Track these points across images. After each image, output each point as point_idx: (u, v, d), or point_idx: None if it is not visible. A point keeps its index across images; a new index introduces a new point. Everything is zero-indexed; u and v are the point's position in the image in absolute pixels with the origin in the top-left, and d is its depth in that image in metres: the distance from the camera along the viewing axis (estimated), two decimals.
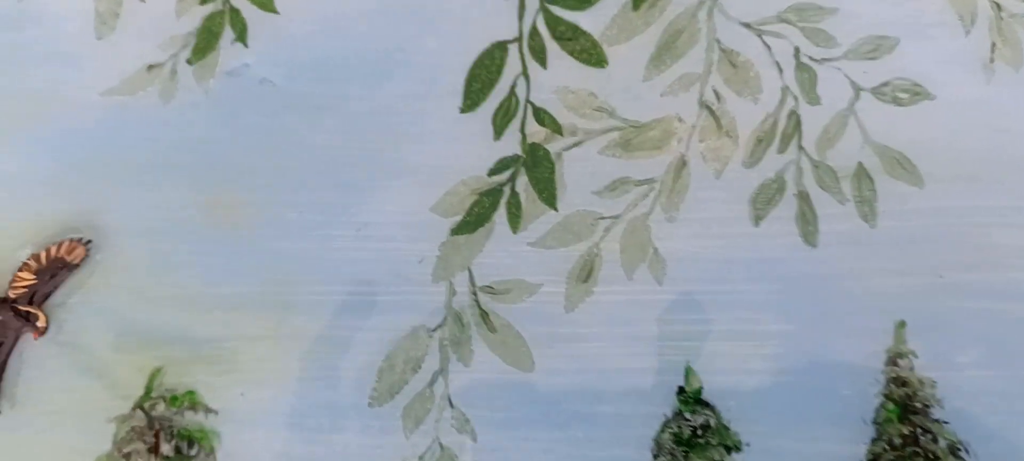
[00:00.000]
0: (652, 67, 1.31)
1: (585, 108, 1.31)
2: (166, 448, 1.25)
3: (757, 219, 1.29)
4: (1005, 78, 1.29)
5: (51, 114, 1.33)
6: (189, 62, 1.33)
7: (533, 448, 1.25)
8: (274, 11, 1.33)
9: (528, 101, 1.30)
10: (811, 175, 1.29)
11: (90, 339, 1.29)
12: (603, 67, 1.31)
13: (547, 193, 1.30)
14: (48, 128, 1.33)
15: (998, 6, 1.30)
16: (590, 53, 1.31)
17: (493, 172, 1.31)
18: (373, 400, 1.26)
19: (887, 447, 1.22)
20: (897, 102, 1.29)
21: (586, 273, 1.28)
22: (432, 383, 1.27)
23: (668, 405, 1.25)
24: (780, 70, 1.30)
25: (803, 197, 1.29)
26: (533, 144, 1.31)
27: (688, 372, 1.25)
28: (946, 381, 1.24)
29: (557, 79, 1.31)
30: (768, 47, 1.30)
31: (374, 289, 1.29)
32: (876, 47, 1.30)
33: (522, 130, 1.30)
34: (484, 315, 1.27)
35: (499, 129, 1.30)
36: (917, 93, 1.29)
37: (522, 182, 1.30)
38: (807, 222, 1.28)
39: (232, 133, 1.32)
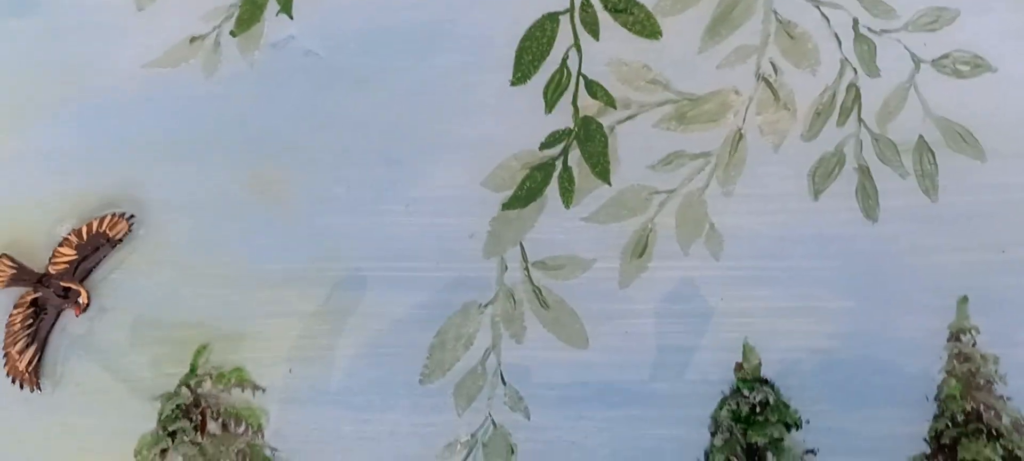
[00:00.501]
0: (707, 38, 1.31)
1: (639, 80, 1.31)
2: (212, 426, 1.25)
3: (816, 193, 1.29)
4: None
5: (92, 88, 1.34)
6: (232, 34, 1.34)
7: (588, 427, 1.25)
8: None
9: (580, 73, 1.31)
10: (871, 148, 1.30)
11: (133, 316, 1.29)
12: (657, 39, 1.32)
13: (600, 167, 1.30)
14: (88, 102, 1.34)
15: None
16: (643, 24, 1.31)
17: (545, 146, 1.31)
18: (424, 377, 1.27)
19: (950, 424, 1.23)
20: (958, 75, 1.30)
21: (641, 248, 1.29)
22: (484, 360, 1.27)
23: (726, 382, 1.26)
24: (839, 42, 1.31)
25: (863, 171, 1.29)
26: (586, 117, 1.31)
27: (746, 349, 1.26)
28: (1009, 358, 1.25)
29: (610, 51, 1.32)
30: (826, 18, 1.31)
31: (423, 265, 1.29)
32: (936, 18, 1.31)
33: (574, 103, 1.31)
34: (537, 291, 1.28)
35: (550, 102, 1.31)
36: (978, 66, 1.30)
37: (574, 156, 1.31)
38: (867, 197, 1.29)
39: (277, 106, 1.33)
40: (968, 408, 1.23)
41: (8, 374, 1.27)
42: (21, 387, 1.27)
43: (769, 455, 1.24)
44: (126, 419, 1.26)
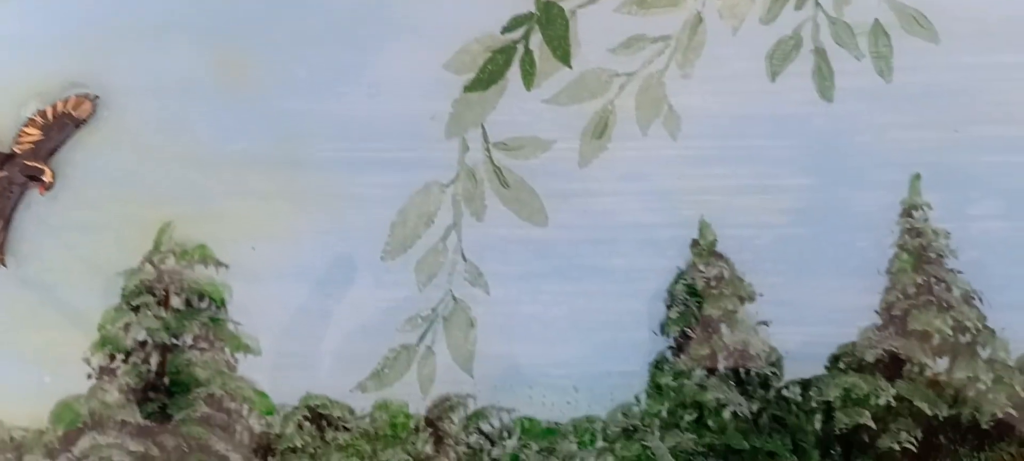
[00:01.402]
0: None
1: None
2: (176, 301, 1.33)
3: (773, 75, 1.37)
4: None
5: None
6: None
7: (546, 300, 1.33)
8: None
9: None
10: (828, 31, 1.37)
11: (97, 195, 1.36)
12: None
13: (561, 50, 1.38)
14: None
15: None
16: None
17: (507, 29, 1.38)
18: (386, 254, 1.34)
19: (901, 296, 1.31)
20: None
21: (600, 129, 1.37)
22: (445, 238, 1.35)
23: (682, 258, 1.34)
24: None
25: (820, 53, 1.37)
26: (547, 2, 1.39)
27: (702, 225, 1.34)
28: (961, 233, 1.33)
29: None
30: None
31: (386, 146, 1.36)
32: None
33: None
34: (497, 171, 1.36)
35: None
36: None
37: (536, 39, 1.38)
38: (823, 78, 1.37)
39: None
40: (919, 281, 1.31)
41: None
42: None
43: (723, 327, 1.32)
44: (90, 295, 1.33)
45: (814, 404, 1.30)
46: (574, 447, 1.29)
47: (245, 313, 1.33)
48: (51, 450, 1.29)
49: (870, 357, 1.30)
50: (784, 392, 1.30)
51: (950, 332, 1.31)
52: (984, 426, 1.30)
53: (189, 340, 1.31)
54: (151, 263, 1.32)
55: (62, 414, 1.29)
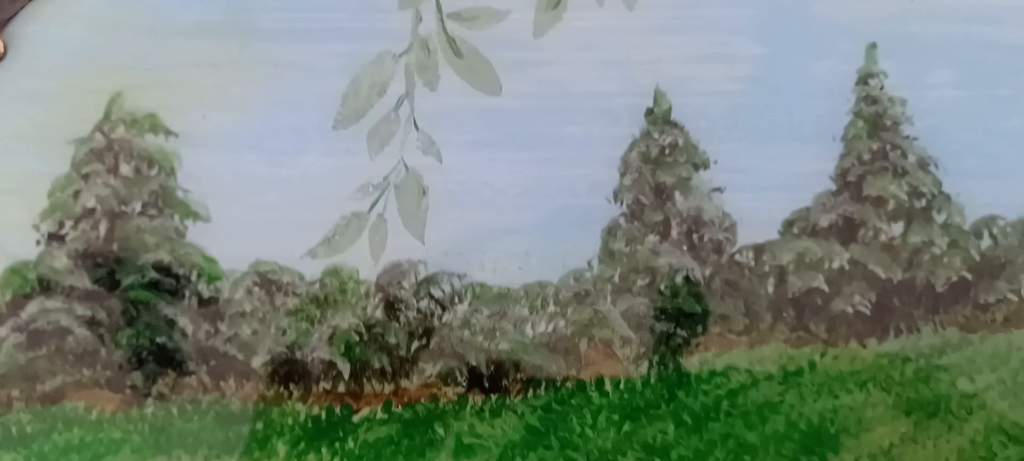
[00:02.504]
0: None
1: None
2: (125, 169, 1.40)
3: None
4: None
5: None
6: None
7: (499, 168, 1.41)
8: None
9: None
10: None
11: (49, 65, 1.45)
12: None
13: None
14: None
15: None
16: None
17: None
18: (337, 123, 1.42)
19: (856, 162, 1.39)
20: None
21: (556, 0, 1.43)
22: (397, 107, 1.42)
23: (637, 127, 1.41)
24: None
25: None
26: None
27: (657, 94, 1.41)
28: (917, 101, 1.42)
29: None
30: None
31: (339, 16, 1.44)
32: None
33: None
34: (451, 41, 1.42)
35: None
36: None
37: None
38: None
39: None
40: (874, 147, 1.39)
41: None
42: None
43: (677, 193, 1.38)
44: (40, 163, 1.41)
45: (767, 268, 1.38)
46: (525, 312, 1.37)
47: (195, 181, 1.40)
48: None
49: (824, 222, 1.38)
50: (737, 257, 1.38)
51: (905, 197, 1.39)
52: (939, 289, 1.37)
53: (138, 207, 1.39)
54: (101, 132, 1.40)
55: (10, 279, 1.37)
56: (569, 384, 1.47)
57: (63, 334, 1.49)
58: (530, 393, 1.48)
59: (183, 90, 1.55)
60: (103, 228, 1.52)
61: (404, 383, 1.49)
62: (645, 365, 1.46)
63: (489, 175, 1.52)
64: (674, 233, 1.48)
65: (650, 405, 1.46)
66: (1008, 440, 1.41)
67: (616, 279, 1.48)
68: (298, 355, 1.49)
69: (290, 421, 1.49)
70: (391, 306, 1.49)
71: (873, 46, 1.52)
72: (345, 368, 1.49)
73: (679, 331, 1.45)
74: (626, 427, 1.45)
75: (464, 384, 1.49)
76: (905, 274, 1.46)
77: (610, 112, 1.53)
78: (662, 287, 1.46)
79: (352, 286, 1.51)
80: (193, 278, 1.51)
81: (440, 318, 1.49)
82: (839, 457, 1.40)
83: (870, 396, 1.44)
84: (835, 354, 1.46)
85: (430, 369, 1.49)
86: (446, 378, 1.48)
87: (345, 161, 1.50)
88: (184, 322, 1.50)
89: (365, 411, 1.49)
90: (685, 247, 1.48)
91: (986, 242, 1.47)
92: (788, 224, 1.49)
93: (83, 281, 1.50)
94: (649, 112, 1.51)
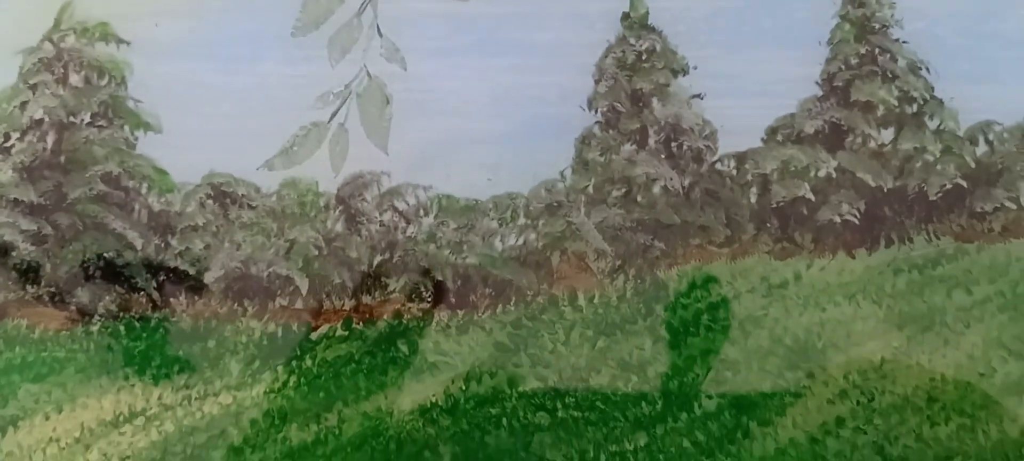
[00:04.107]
0: None
1: None
2: (75, 79, 1.37)
3: None
4: None
5: None
6: None
7: (467, 76, 1.37)
8: None
9: None
10: None
11: None
12: None
13: None
14: None
15: None
16: None
17: None
18: (296, 30, 1.38)
19: (843, 66, 1.35)
20: None
21: None
22: (360, 13, 1.39)
23: (612, 32, 1.38)
24: None
25: None
26: None
27: None
28: (906, 3, 1.36)
29: None
30: None
31: None
32: None
33: None
34: None
35: None
36: None
37: None
38: None
39: None
40: (862, 51, 1.35)
41: None
42: None
43: (654, 101, 1.35)
44: None
45: (750, 177, 1.34)
46: (494, 224, 1.33)
47: (146, 90, 1.37)
48: None
49: (810, 129, 1.34)
50: (718, 166, 1.34)
51: (895, 102, 1.35)
52: (932, 197, 1.33)
53: (87, 118, 1.36)
54: (50, 41, 1.38)
55: None
56: (540, 299, 1.42)
57: (6, 250, 1.44)
58: (499, 308, 1.42)
59: None
60: (50, 140, 1.47)
61: (366, 299, 1.43)
62: (621, 279, 1.41)
63: (456, 83, 1.48)
64: (651, 142, 1.43)
65: (626, 320, 1.40)
66: (1008, 355, 1.35)
67: (590, 190, 1.43)
68: (253, 270, 1.44)
69: (244, 339, 1.43)
70: (352, 219, 1.44)
71: None
72: (303, 284, 1.43)
73: (656, 243, 1.40)
74: (600, 343, 1.39)
75: (429, 300, 1.43)
76: (896, 182, 1.41)
77: (584, 17, 1.49)
78: (639, 198, 1.41)
79: (311, 199, 1.46)
80: (143, 191, 1.46)
81: (404, 231, 1.44)
82: (826, 373, 1.34)
83: (859, 309, 1.39)
84: (822, 265, 1.41)
85: (393, 284, 1.43)
86: (410, 294, 1.42)
87: (304, 69, 1.48)
88: (133, 236, 1.44)
89: (324, 328, 1.43)
90: (663, 156, 1.43)
91: (982, 148, 1.42)
92: (772, 131, 1.44)
93: (28, 194, 1.44)
94: (625, 17, 1.47)
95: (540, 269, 1.36)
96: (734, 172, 1.36)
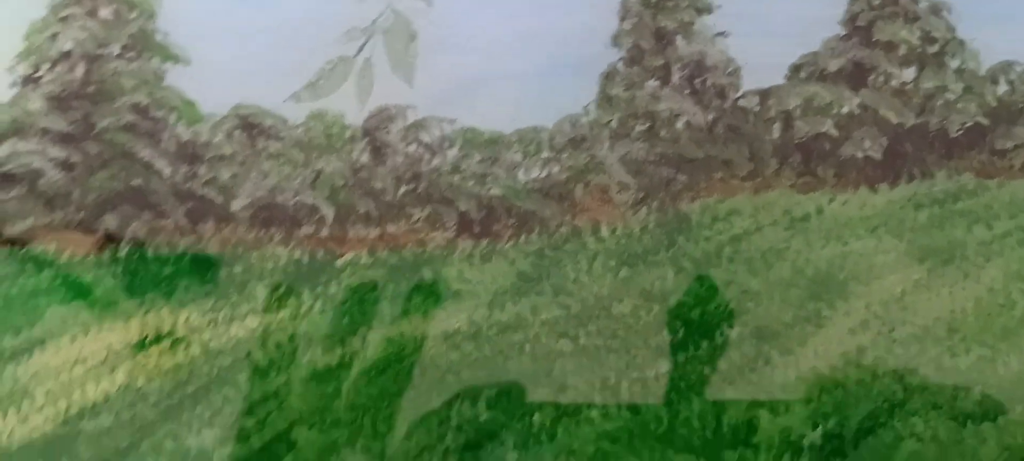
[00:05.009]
0: None
1: None
2: (105, 12, 1.39)
3: None
4: None
5: None
6: None
7: (492, 13, 1.41)
8: None
9: None
10: None
11: None
12: None
13: None
14: None
15: None
16: None
17: None
18: None
19: (866, 7, 1.37)
20: None
21: None
22: None
23: None
24: None
25: None
26: None
27: None
28: None
29: None
30: None
31: None
32: None
33: None
34: None
35: None
36: None
37: None
38: None
39: None
40: None
41: None
42: None
43: (678, 38, 1.37)
44: (16, 6, 1.38)
45: (773, 113, 1.35)
46: (518, 157, 1.35)
47: (175, 23, 1.40)
48: None
49: (833, 67, 1.36)
50: (741, 102, 1.35)
51: (917, 42, 1.37)
52: (953, 135, 1.34)
53: (116, 50, 1.38)
54: None
55: None
56: (563, 230, 1.43)
57: (35, 176, 1.45)
58: (522, 239, 1.44)
59: None
60: (80, 71, 1.49)
61: (390, 228, 1.45)
62: (644, 211, 1.43)
63: (482, 20, 1.49)
64: (675, 78, 1.45)
65: (648, 251, 1.42)
66: None
67: (614, 124, 1.44)
68: (280, 199, 1.45)
69: (270, 265, 1.45)
70: (378, 151, 1.46)
71: None
72: (329, 212, 1.45)
73: (679, 177, 1.42)
74: (623, 273, 1.41)
75: (453, 229, 1.45)
76: (918, 119, 1.42)
77: None
78: (662, 132, 1.43)
79: (337, 131, 1.47)
80: (171, 121, 1.48)
81: (429, 163, 1.45)
82: (848, 304, 1.36)
83: (881, 242, 1.40)
84: (844, 199, 1.42)
85: (418, 214, 1.45)
86: (434, 223, 1.45)
87: (331, 4, 1.50)
88: (161, 165, 1.46)
89: (349, 255, 1.44)
90: (686, 92, 1.44)
91: (1003, 88, 1.43)
92: (795, 69, 1.46)
93: (58, 124, 1.46)
94: None
95: (563, 201, 1.37)
96: (757, 108, 1.38)
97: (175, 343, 1.37)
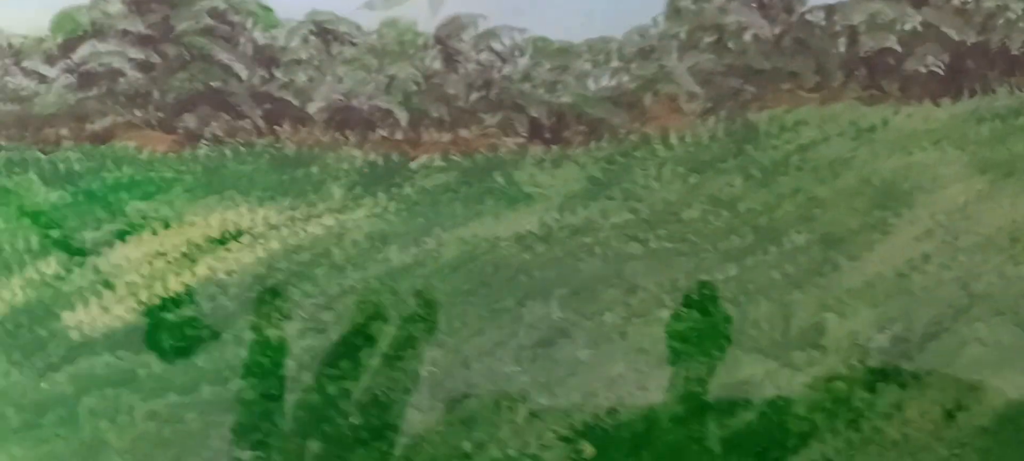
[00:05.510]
0: None
1: None
2: None
3: None
4: None
5: None
6: None
7: None
8: None
9: None
10: None
11: None
12: None
13: None
14: None
15: None
16: None
17: None
18: None
19: None
20: None
21: None
22: None
23: None
24: None
25: None
26: None
27: None
28: None
29: None
30: None
31: None
32: None
33: None
34: None
35: None
36: None
37: None
38: None
39: None
40: None
41: None
42: None
43: None
44: None
45: (838, 28, 1.37)
46: (588, 66, 1.36)
47: None
48: (50, 56, 1.37)
49: None
50: (807, 17, 1.36)
51: None
52: (1014, 53, 1.36)
53: None
54: None
55: (62, 22, 1.38)
56: (632, 137, 1.46)
57: (115, 76, 1.47)
58: (592, 145, 1.46)
59: None
60: None
61: (463, 133, 1.48)
62: (712, 120, 1.45)
63: None
64: None
65: (717, 159, 1.44)
66: None
67: (682, 36, 1.47)
68: (354, 103, 1.48)
69: (346, 166, 1.47)
70: (450, 58, 1.48)
71: None
72: (402, 116, 1.47)
73: (747, 87, 1.44)
74: (692, 180, 1.43)
75: (524, 135, 1.47)
76: (979, 37, 1.45)
77: None
78: (730, 44, 1.45)
79: (410, 38, 1.50)
80: (248, 26, 1.51)
81: (500, 71, 1.48)
82: (913, 212, 1.38)
83: (944, 154, 1.43)
84: (908, 112, 1.45)
85: (489, 120, 1.48)
86: (506, 129, 1.47)
87: None
88: (239, 68, 1.48)
89: (423, 158, 1.47)
90: (753, 5, 1.47)
91: None
92: None
93: (136, 26, 1.49)
94: None
95: (632, 109, 1.39)
96: (823, 23, 1.40)
97: (254, 239, 1.39)
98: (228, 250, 1.37)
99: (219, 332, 1.32)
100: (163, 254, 1.37)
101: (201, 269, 1.37)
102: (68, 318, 1.35)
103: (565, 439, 1.32)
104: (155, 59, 1.43)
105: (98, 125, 1.41)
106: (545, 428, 1.32)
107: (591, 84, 1.44)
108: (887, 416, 1.33)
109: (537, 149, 1.43)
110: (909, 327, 1.34)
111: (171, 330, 1.33)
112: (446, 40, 1.46)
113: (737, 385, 1.33)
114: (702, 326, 1.32)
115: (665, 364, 1.33)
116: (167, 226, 1.38)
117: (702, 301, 1.33)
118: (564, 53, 1.44)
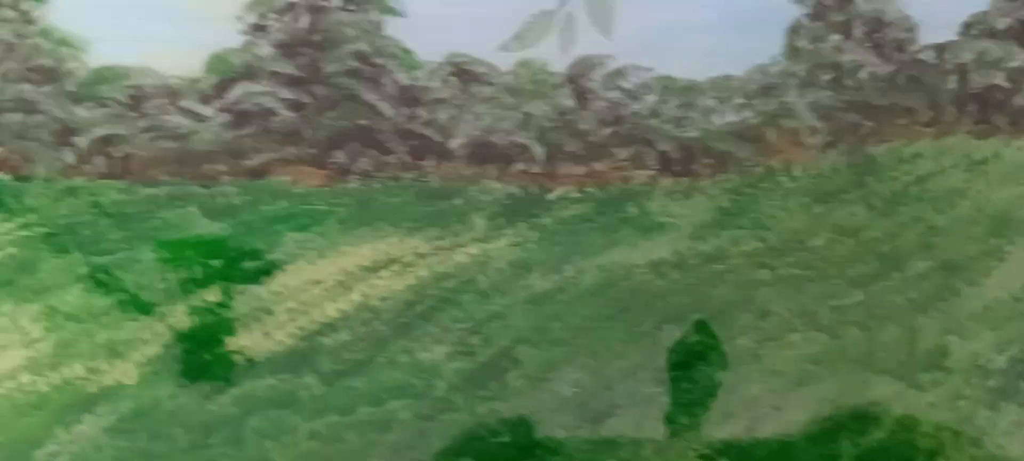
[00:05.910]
0: None
1: None
2: None
3: None
4: None
5: None
6: None
7: None
8: None
9: None
10: None
11: None
12: None
13: None
14: None
15: None
16: None
17: None
18: None
19: None
20: None
21: None
22: None
23: None
24: None
25: None
26: None
27: None
28: None
29: None
30: None
31: None
32: None
33: None
34: None
35: None
36: None
37: None
38: None
39: None
40: None
41: None
42: None
43: None
44: None
45: (949, 66, 1.43)
46: (712, 102, 1.43)
47: None
48: (205, 96, 1.44)
49: (1001, 25, 1.45)
50: (919, 55, 1.43)
51: None
52: None
53: (337, 2, 1.46)
54: None
55: (216, 64, 1.45)
56: (758, 169, 1.53)
57: (268, 115, 1.55)
58: (720, 177, 1.54)
59: None
60: (305, 21, 1.59)
61: (596, 165, 1.55)
62: (832, 153, 1.52)
63: None
64: (856, 32, 1.55)
65: (839, 190, 1.51)
66: None
67: (802, 73, 1.54)
68: (493, 138, 1.56)
69: (488, 198, 1.54)
70: (582, 96, 1.55)
71: None
72: (538, 151, 1.55)
73: (865, 122, 1.51)
74: (817, 209, 1.50)
75: (655, 167, 1.54)
76: None
77: None
78: (847, 81, 1.53)
79: (543, 77, 1.57)
80: (391, 67, 1.58)
81: (629, 108, 1.55)
82: None
83: None
84: (1019, 145, 1.51)
85: (621, 153, 1.55)
86: (637, 162, 1.54)
87: None
88: (384, 107, 1.56)
89: (559, 190, 1.54)
90: (867, 45, 1.54)
91: None
92: (967, 26, 1.55)
93: (287, 67, 1.57)
94: None
95: (756, 143, 1.46)
96: (935, 61, 1.47)
97: (404, 267, 1.46)
98: (380, 278, 1.45)
99: (374, 355, 1.39)
100: (320, 282, 1.44)
101: (355, 295, 1.44)
102: (231, 343, 1.42)
103: (704, 457, 1.38)
104: (306, 99, 1.50)
105: (254, 161, 1.48)
106: (686, 446, 1.38)
107: (716, 119, 1.51)
108: (1009, 434, 1.39)
109: (667, 181, 1.50)
110: None
111: (329, 354, 1.40)
112: (577, 79, 1.53)
113: (867, 405, 1.39)
114: (832, 348, 1.38)
115: (799, 385, 1.39)
116: (322, 256, 1.45)
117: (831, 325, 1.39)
118: (689, 90, 1.51)
